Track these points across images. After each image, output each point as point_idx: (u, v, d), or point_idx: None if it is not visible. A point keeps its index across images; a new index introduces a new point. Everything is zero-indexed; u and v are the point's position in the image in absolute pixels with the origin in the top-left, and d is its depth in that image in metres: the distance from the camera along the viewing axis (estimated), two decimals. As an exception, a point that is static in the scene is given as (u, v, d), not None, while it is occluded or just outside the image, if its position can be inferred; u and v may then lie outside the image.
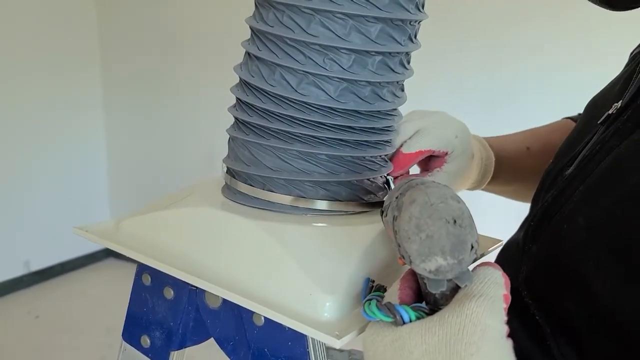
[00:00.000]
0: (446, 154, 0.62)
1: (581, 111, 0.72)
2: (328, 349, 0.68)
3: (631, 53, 0.68)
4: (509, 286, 0.38)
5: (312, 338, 0.45)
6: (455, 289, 0.37)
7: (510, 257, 0.56)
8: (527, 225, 0.54)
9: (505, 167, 0.73)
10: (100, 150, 3.66)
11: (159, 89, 3.41)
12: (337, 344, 0.40)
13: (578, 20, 2.22)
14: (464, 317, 0.35)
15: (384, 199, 0.43)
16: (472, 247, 0.35)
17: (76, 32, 3.41)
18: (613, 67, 0.69)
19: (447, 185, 0.41)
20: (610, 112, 0.53)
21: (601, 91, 0.66)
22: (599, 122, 0.54)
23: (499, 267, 0.39)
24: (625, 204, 0.44)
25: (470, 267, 0.38)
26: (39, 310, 3.01)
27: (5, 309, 3.03)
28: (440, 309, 0.37)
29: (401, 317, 0.37)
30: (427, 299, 0.38)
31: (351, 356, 0.71)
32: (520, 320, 0.49)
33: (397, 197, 0.38)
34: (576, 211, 0.48)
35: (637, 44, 0.67)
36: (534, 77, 2.35)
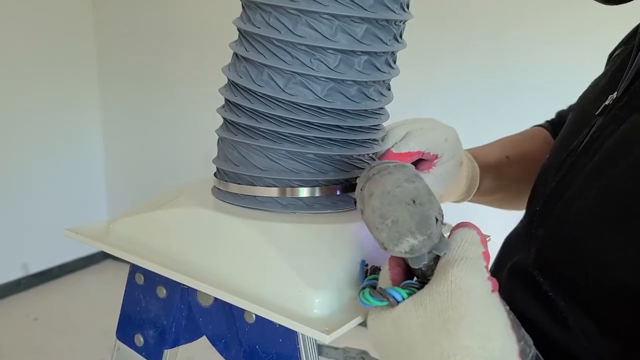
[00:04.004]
0: (436, 157, 0.62)
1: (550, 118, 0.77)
2: (322, 346, 0.69)
3: (610, 54, 0.71)
4: (487, 243, 0.40)
5: (302, 335, 0.46)
6: (437, 257, 0.39)
7: (516, 244, 0.58)
8: (532, 212, 0.56)
9: (488, 177, 0.74)
10: (97, 151, 3.65)
11: (156, 89, 3.40)
12: (326, 339, 0.40)
13: (575, 21, 2.23)
14: (448, 283, 0.37)
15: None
16: (437, 219, 0.37)
17: (73, 33, 3.41)
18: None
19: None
20: (606, 103, 0.56)
21: (588, 89, 0.68)
22: (597, 114, 0.56)
23: (473, 225, 0.41)
24: (634, 171, 0.45)
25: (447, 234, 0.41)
26: (37, 313, 3.01)
27: (4, 311, 3.03)
28: (429, 279, 0.39)
29: (394, 298, 0.39)
30: (415, 274, 0.40)
31: (346, 354, 0.71)
32: (537, 300, 0.51)
33: (361, 189, 0.40)
34: (584, 187, 0.50)
35: (615, 45, 0.69)
36: (531, 78, 2.35)
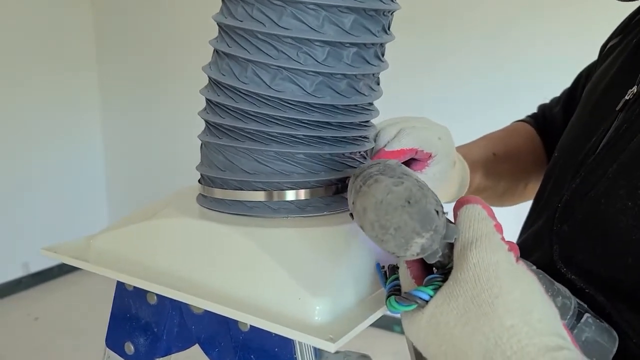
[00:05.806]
0: (429, 156, 0.61)
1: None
2: (321, 351, 0.67)
3: (604, 45, 0.70)
4: (494, 214, 0.39)
5: (299, 343, 0.44)
6: (451, 244, 0.38)
7: (535, 242, 0.58)
8: (554, 209, 0.56)
9: (477, 175, 0.74)
10: (98, 151, 3.67)
11: (156, 89, 3.41)
12: (332, 347, 0.38)
13: (575, 20, 2.22)
14: (472, 267, 0.36)
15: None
16: (437, 212, 0.37)
17: (73, 33, 3.42)
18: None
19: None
20: (627, 98, 0.55)
21: (590, 87, 0.67)
22: (617, 109, 0.56)
23: (474, 198, 0.40)
24: None
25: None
26: (38, 312, 3.02)
27: (5, 311, 3.04)
28: (449, 268, 0.38)
29: (421, 299, 0.38)
30: (434, 266, 0.40)
31: (346, 357, 0.69)
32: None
33: (353, 203, 0.39)
34: (614, 186, 0.49)
35: (607, 37, 0.70)
36: (531, 78, 2.33)
